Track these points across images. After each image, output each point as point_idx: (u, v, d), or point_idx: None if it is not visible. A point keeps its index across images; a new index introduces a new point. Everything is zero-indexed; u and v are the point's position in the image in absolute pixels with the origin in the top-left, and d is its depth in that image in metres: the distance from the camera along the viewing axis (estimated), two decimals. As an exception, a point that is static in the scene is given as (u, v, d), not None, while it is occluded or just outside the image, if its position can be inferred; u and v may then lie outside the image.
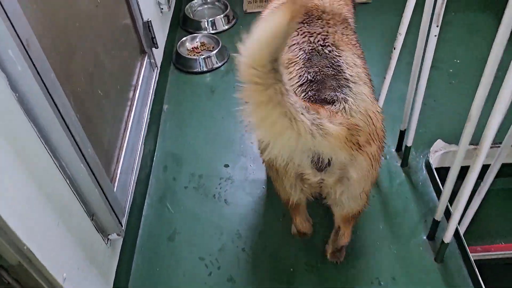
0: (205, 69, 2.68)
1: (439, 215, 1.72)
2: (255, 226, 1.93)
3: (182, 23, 3.03)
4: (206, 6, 3.16)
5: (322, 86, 1.21)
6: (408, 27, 1.73)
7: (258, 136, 1.04)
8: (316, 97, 1.20)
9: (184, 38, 2.80)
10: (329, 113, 1.09)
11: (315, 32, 1.36)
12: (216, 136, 2.31)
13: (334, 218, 1.58)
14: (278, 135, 1.00)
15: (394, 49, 1.77)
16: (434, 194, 2.00)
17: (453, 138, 2.21)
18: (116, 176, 1.59)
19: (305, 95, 1.21)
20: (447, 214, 1.80)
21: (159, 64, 2.37)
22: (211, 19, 2.96)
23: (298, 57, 1.31)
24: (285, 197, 1.43)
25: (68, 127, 1.20)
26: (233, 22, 3.04)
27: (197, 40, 2.84)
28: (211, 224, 1.94)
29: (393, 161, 2.14)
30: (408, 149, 2.03)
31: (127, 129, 1.77)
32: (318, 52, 1.30)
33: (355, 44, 1.41)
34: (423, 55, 1.71)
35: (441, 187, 1.95)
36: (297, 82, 1.25)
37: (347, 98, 1.18)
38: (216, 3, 3.15)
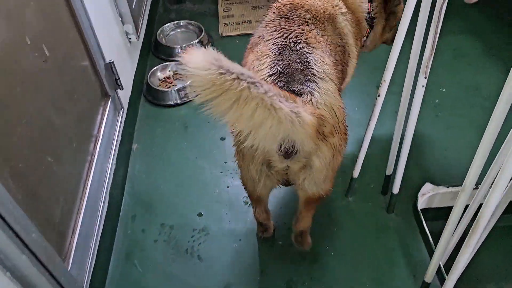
0: (178, 101, 2.51)
1: (429, 277, 1.59)
2: (231, 285, 1.77)
3: (154, 49, 2.85)
4: (179, 30, 2.98)
5: (291, 79, 1.27)
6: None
7: (238, 130, 1.07)
8: (285, 88, 1.25)
9: (155, 68, 2.63)
10: (302, 103, 1.14)
11: (290, 29, 1.42)
12: (189, 179, 2.15)
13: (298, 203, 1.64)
14: (258, 126, 1.02)
15: (378, 95, 1.63)
16: (423, 243, 1.87)
17: (442, 178, 2.09)
18: (72, 249, 1.42)
19: (275, 84, 1.26)
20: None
21: (126, 104, 2.20)
22: (184, 44, 2.79)
23: (271, 50, 1.37)
24: (250, 185, 1.49)
25: (3, 219, 1.03)
26: (208, 47, 2.86)
27: (169, 69, 2.66)
28: (183, 284, 1.77)
29: (378, 207, 2.00)
30: (394, 196, 1.89)
31: (86, 188, 1.59)
32: (290, 48, 1.36)
33: (330, 44, 1.46)
34: (409, 105, 1.57)
35: (430, 238, 1.82)
36: (267, 73, 1.30)
37: (313, 91, 1.25)
38: (190, 26, 2.98)
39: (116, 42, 2.20)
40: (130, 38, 2.40)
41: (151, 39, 2.91)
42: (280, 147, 1.21)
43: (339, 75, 1.45)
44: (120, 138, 2.09)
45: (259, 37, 1.46)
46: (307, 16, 1.49)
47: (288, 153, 1.24)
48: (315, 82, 1.28)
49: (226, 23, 3.04)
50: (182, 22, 2.98)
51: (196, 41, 2.82)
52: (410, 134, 1.61)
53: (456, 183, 2.05)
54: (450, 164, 2.16)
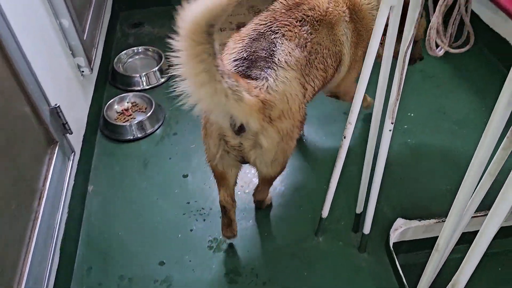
0: (137, 135, 2.37)
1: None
2: None
3: (111, 79, 2.70)
4: (137, 57, 2.84)
5: (252, 65, 1.41)
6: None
7: (184, 85, 1.18)
8: (244, 72, 1.40)
9: (111, 100, 2.48)
10: (247, 85, 1.28)
11: (277, 20, 1.54)
12: (149, 223, 2.01)
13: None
14: (198, 87, 1.16)
15: (344, 137, 1.53)
16: (397, 285, 1.79)
17: (413, 211, 2.02)
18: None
19: (236, 68, 1.41)
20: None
21: (78, 145, 2.05)
22: (144, 73, 2.65)
23: (248, 35, 1.51)
24: (213, 160, 1.57)
25: None
26: (169, 74, 2.73)
27: (127, 100, 2.52)
28: None
29: (350, 246, 1.90)
30: (365, 236, 1.81)
31: (29, 251, 1.43)
32: (265, 36, 1.49)
33: (314, 43, 1.56)
34: (376, 148, 1.49)
35: (404, 280, 1.74)
36: (233, 58, 1.45)
37: (269, 78, 1.38)
38: (149, 52, 2.84)
39: (66, 78, 2.05)
40: (82, 71, 2.25)
41: (108, 67, 2.76)
42: (231, 123, 1.34)
43: (316, 72, 1.59)
44: (72, 183, 1.94)
45: (253, 20, 1.60)
46: (308, 13, 1.58)
47: (238, 130, 1.36)
48: (274, 69, 1.40)
49: (187, 48, 2.91)
50: (140, 48, 2.84)
51: (156, 68, 2.68)
52: (378, 178, 1.52)
53: (428, 213, 1.99)
54: (421, 195, 2.10)
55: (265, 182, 1.81)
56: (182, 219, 2.02)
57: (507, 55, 2.63)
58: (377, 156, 1.49)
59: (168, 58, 1.15)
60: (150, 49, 2.83)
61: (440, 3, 0.89)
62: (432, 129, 2.40)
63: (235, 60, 1.43)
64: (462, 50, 0.89)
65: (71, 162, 1.84)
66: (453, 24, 0.92)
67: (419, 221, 1.97)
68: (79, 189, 2.02)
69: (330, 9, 1.62)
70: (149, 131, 2.39)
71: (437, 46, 0.96)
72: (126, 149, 2.33)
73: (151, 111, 2.41)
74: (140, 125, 2.37)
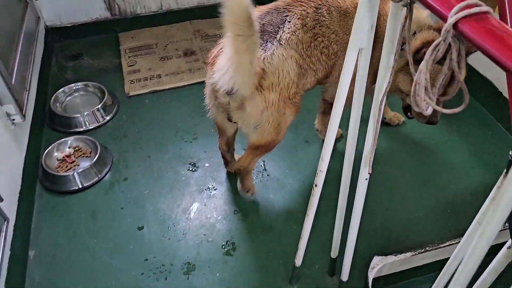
0: (83, 184, 2.12)
1: None
2: None
3: (49, 120, 2.43)
4: (77, 95, 2.58)
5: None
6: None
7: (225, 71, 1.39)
8: None
9: (50, 147, 2.21)
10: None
11: (298, 1, 1.61)
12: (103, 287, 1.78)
13: None
14: (241, 74, 1.37)
15: (316, 186, 1.39)
16: (380, 330, 1.67)
17: (389, 244, 1.92)
18: None
19: None
20: None
21: (13, 208, 1.79)
22: (85, 112, 2.41)
23: (268, 8, 1.61)
24: (209, 111, 1.73)
25: None
26: (114, 111, 2.51)
27: (68, 145, 2.27)
28: None
29: (327, 291, 1.77)
30: (344, 283, 1.67)
31: None
32: (279, 11, 1.59)
33: (323, 25, 1.63)
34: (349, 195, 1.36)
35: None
36: None
37: (267, 50, 1.50)
38: (89, 88, 2.59)
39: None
40: (13, 120, 1.99)
41: (45, 108, 2.49)
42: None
43: (320, 56, 1.65)
44: (8, 253, 1.69)
45: None
46: (325, 3, 1.64)
47: (230, 92, 1.46)
48: (273, 44, 1.51)
49: (132, 80, 2.69)
50: (79, 84, 2.59)
51: (100, 105, 2.45)
52: (354, 231, 1.39)
53: (403, 244, 1.89)
54: (394, 225, 2.00)
55: (251, 148, 1.78)
56: (140, 280, 1.80)
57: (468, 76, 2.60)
58: (353, 204, 1.36)
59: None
60: (90, 85, 2.58)
61: (426, 57, 0.77)
62: (396, 154, 2.32)
63: None
64: (456, 110, 0.76)
65: (3, 232, 1.59)
66: (442, 80, 0.79)
67: (395, 255, 1.86)
68: (17, 258, 1.76)
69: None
70: (96, 178, 2.15)
71: (422, 102, 0.83)
72: (70, 201, 2.08)
73: (97, 155, 2.17)
74: (85, 172, 2.13)
